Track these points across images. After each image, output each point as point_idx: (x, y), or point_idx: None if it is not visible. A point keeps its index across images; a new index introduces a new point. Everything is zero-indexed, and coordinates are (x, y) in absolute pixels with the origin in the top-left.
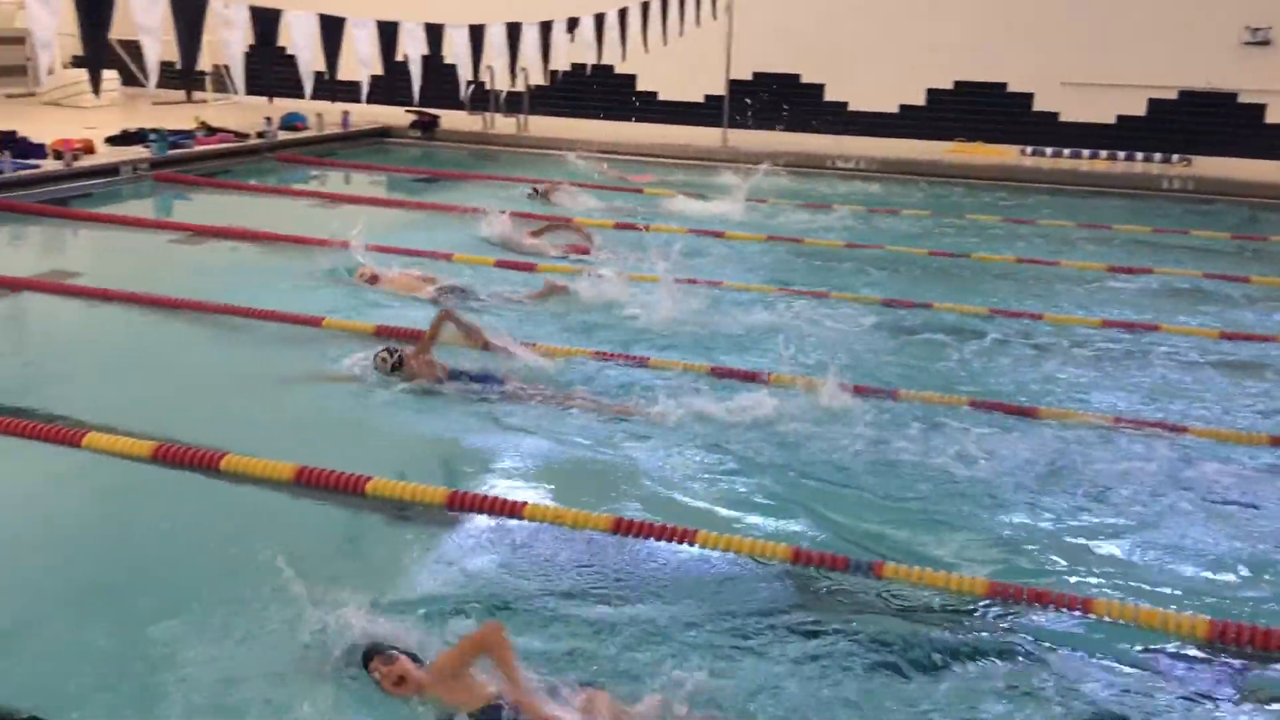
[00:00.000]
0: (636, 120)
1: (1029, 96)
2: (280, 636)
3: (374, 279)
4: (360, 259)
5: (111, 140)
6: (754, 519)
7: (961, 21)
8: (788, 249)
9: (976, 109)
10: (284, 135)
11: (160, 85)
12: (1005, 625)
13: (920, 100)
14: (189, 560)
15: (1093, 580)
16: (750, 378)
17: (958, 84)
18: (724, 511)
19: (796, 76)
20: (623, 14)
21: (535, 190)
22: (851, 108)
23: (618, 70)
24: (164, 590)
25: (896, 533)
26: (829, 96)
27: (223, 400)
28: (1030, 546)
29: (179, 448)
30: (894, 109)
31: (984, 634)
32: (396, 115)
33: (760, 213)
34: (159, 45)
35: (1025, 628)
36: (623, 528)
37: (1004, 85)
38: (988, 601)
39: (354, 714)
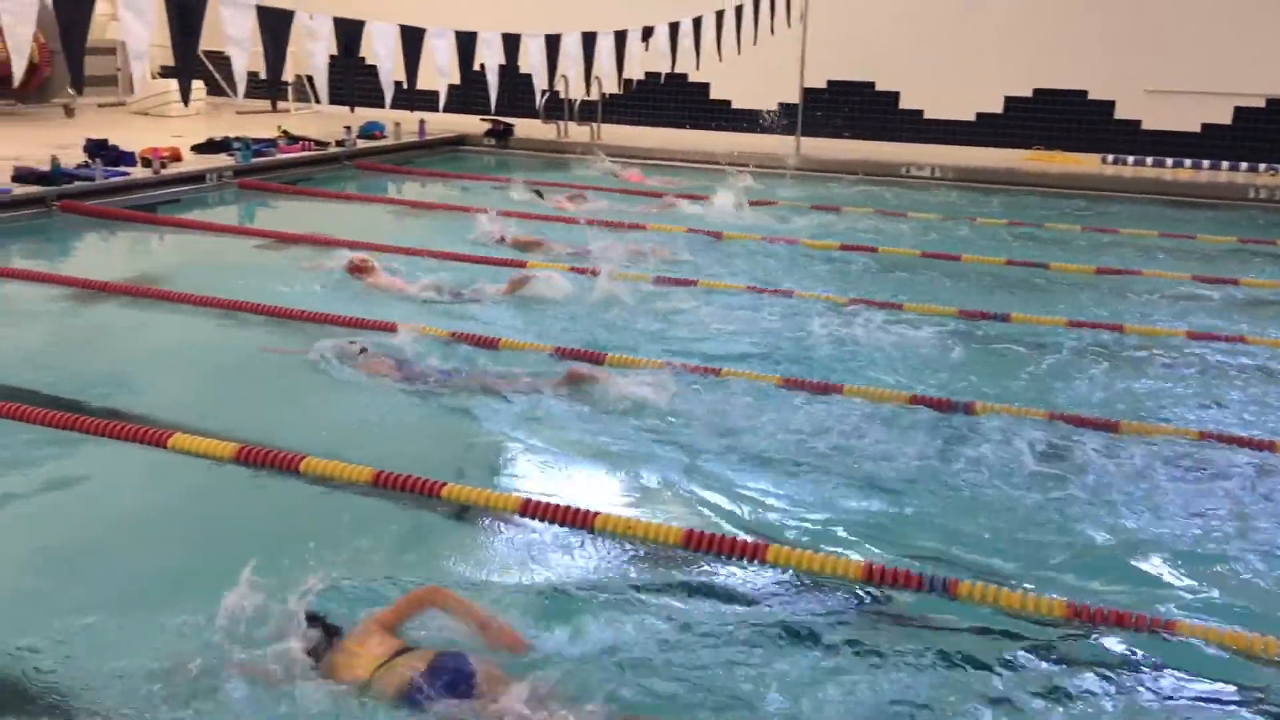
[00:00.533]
0: (711, 128)
1: (1110, 104)
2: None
3: (363, 270)
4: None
5: (197, 148)
6: (824, 535)
7: (1041, 28)
8: (861, 258)
9: (1056, 116)
10: (362, 143)
11: (245, 95)
12: (1085, 648)
13: (998, 108)
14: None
15: (1176, 601)
16: (823, 390)
17: (1037, 91)
18: (793, 526)
19: (871, 84)
20: (697, 23)
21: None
22: (927, 115)
23: (691, 79)
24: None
25: (969, 551)
26: (904, 104)
27: (300, 402)
28: (1111, 566)
29: (260, 449)
30: (971, 117)
31: (1063, 657)
32: (472, 124)
33: (831, 221)
34: (246, 56)
35: (1105, 651)
36: (694, 541)
37: (1085, 93)
38: (1067, 623)
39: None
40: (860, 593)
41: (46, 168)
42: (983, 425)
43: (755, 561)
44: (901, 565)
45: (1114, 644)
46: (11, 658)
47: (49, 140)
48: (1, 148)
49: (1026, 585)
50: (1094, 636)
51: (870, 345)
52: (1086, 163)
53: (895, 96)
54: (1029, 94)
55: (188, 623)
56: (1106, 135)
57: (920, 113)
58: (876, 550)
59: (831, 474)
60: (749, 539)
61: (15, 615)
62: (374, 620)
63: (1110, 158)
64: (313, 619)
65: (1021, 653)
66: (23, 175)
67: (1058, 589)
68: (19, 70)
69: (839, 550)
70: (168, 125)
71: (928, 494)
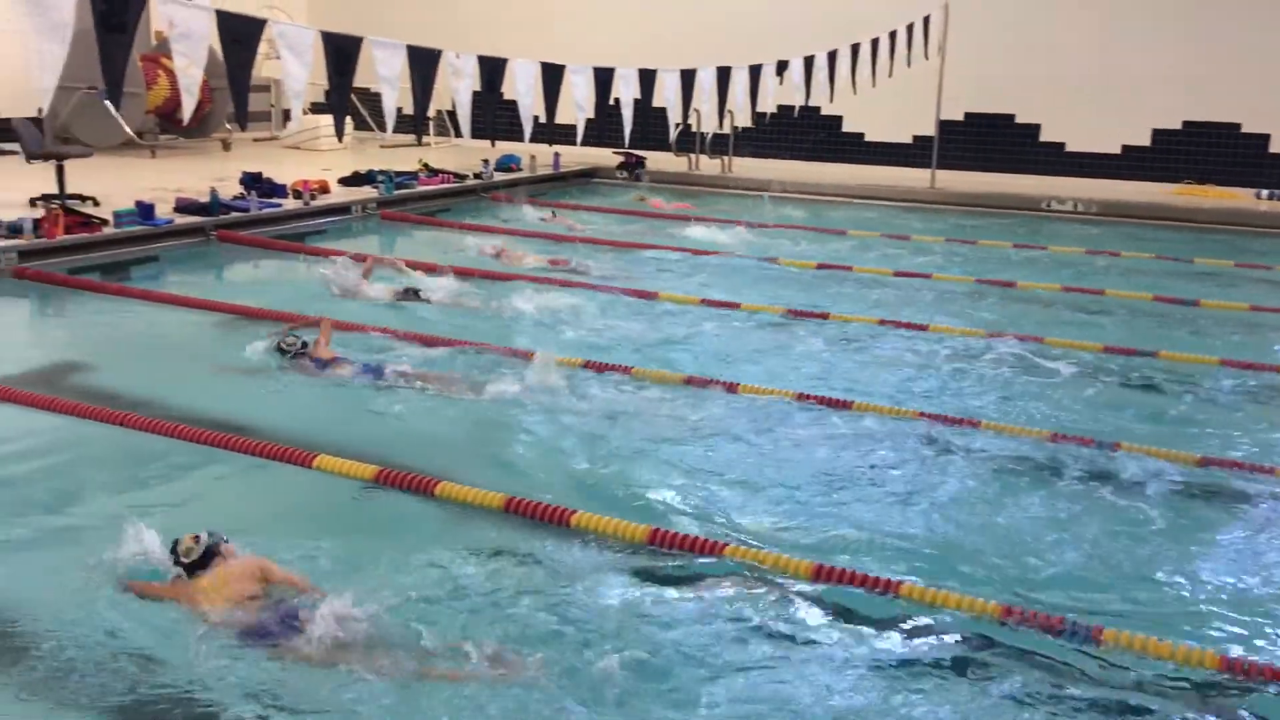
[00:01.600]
0: (844, 161)
1: (1265, 138)
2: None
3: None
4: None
5: (344, 181)
6: (959, 574)
7: (1190, 60)
8: (998, 292)
9: (1206, 150)
10: (499, 176)
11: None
12: (1238, 705)
13: (1145, 140)
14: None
15: None
16: (964, 423)
17: (1186, 124)
18: (928, 564)
19: (1011, 116)
20: (832, 56)
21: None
22: (1069, 148)
23: (824, 111)
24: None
25: (1112, 597)
26: (1045, 137)
27: (432, 426)
28: (1268, 620)
29: (399, 473)
30: (1116, 149)
31: (1216, 712)
32: (604, 156)
33: (966, 252)
34: (396, 93)
35: (1261, 708)
36: (823, 574)
37: (1238, 126)
38: (1218, 677)
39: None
40: (992, 633)
41: (206, 199)
42: (1127, 466)
43: (888, 594)
44: (1043, 609)
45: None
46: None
47: (208, 173)
48: (165, 180)
49: (1173, 636)
50: (1251, 692)
51: (1008, 380)
52: (1239, 197)
53: (1036, 129)
54: (1178, 126)
55: None
56: (1261, 169)
57: (1062, 145)
58: (1013, 590)
59: (967, 514)
60: (879, 576)
61: None
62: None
63: (1265, 193)
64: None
65: (1168, 703)
66: (184, 206)
67: (1204, 641)
68: (188, 109)
69: (973, 589)
70: (317, 159)
71: (1065, 534)
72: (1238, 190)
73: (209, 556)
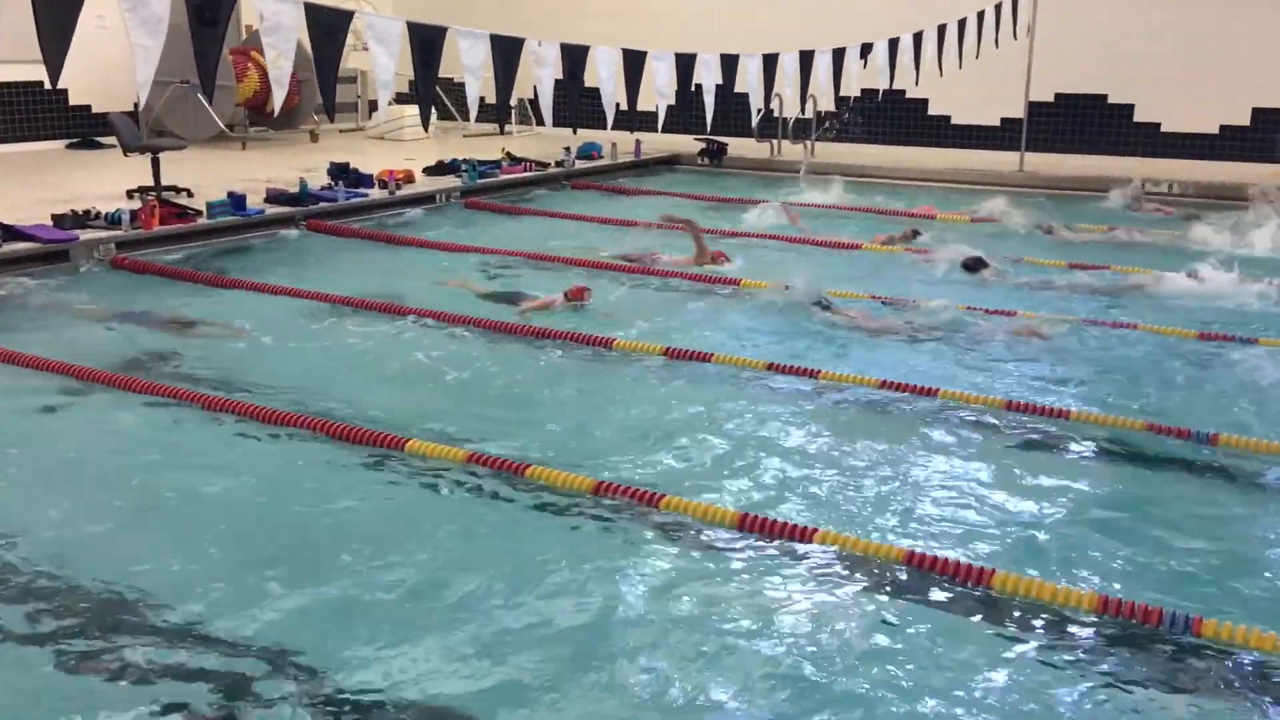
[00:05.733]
0: (930, 145)
1: None
2: None
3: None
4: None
5: (428, 170)
6: (1055, 566)
7: None
8: (1092, 277)
9: None
10: (580, 164)
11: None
12: None
13: (1244, 120)
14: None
15: None
16: (1049, 413)
17: None
18: (1022, 555)
19: (1104, 97)
20: (918, 38)
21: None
22: (1165, 129)
23: (909, 95)
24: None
25: (1216, 589)
26: (1139, 117)
27: (511, 410)
28: None
29: (487, 456)
30: (1214, 129)
31: None
32: (685, 143)
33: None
34: (479, 82)
35: None
36: (915, 560)
37: None
38: None
39: None
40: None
41: (295, 189)
42: (1218, 457)
43: (979, 585)
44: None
45: None
46: None
47: (296, 163)
48: (256, 170)
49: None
50: None
51: (1101, 366)
52: None
53: (1130, 109)
54: (1279, 105)
55: None
56: None
57: (1158, 126)
58: (1110, 583)
59: (1063, 506)
60: (971, 564)
61: None
62: None
63: None
64: None
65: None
66: (274, 196)
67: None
68: (279, 100)
69: (1072, 581)
70: (401, 149)
71: (1174, 526)
72: None
73: None
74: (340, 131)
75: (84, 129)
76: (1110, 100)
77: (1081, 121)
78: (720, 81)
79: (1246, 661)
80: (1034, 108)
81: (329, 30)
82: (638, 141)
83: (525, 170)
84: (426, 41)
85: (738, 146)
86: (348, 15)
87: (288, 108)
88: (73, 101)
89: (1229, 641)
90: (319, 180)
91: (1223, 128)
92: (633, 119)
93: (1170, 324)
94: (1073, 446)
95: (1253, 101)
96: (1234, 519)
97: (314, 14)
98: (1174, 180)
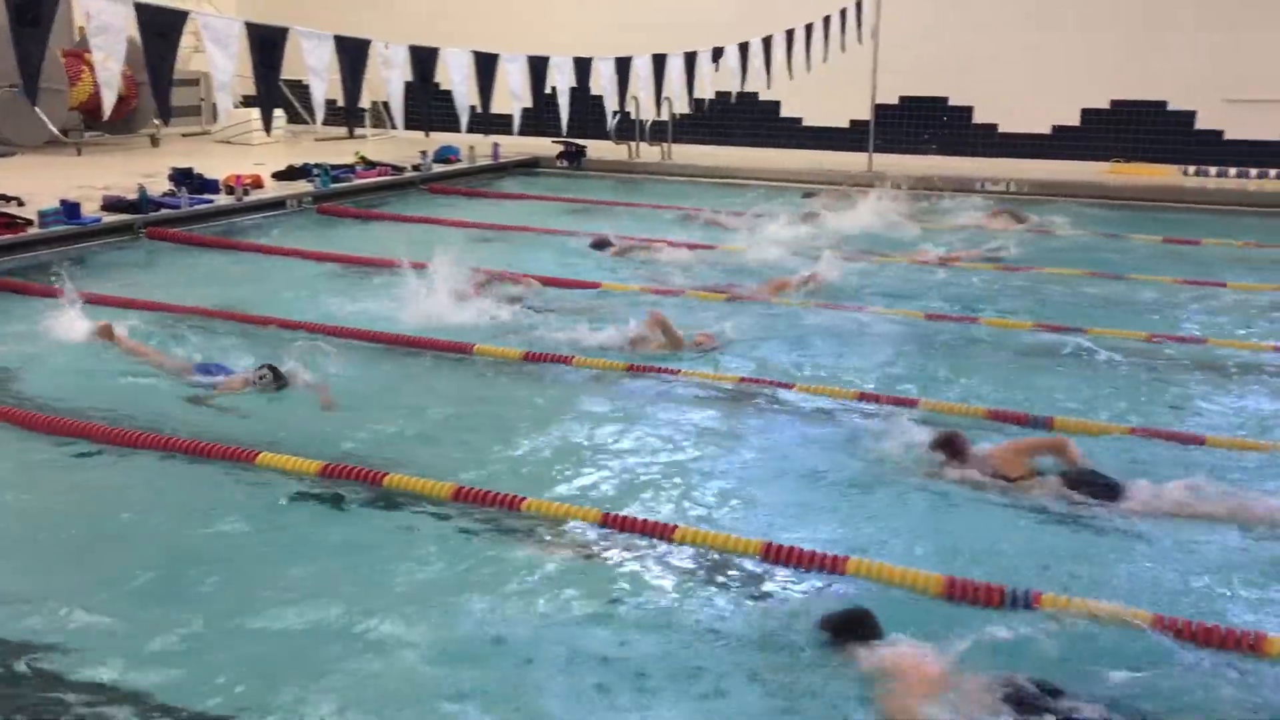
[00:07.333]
0: (784, 146)
1: (1191, 114)
2: None
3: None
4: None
5: (278, 175)
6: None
7: (1116, 40)
8: (941, 272)
9: (1134, 128)
10: (438, 167)
11: (324, 122)
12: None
13: (1075, 120)
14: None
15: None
16: (898, 402)
17: (1114, 103)
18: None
19: (944, 99)
20: (767, 42)
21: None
22: (1002, 129)
23: (762, 97)
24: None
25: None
26: (978, 119)
27: (386, 421)
28: (1200, 584)
29: (345, 466)
30: (1047, 130)
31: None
32: (544, 146)
33: (904, 235)
34: (325, 84)
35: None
36: (771, 553)
37: (1164, 104)
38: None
39: None
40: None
41: (134, 196)
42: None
43: (835, 572)
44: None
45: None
46: None
47: (136, 169)
48: (92, 177)
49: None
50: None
51: (939, 357)
52: (1167, 174)
53: (969, 111)
54: (1106, 105)
55: None
56: (1188, 146)
57: (995, 127)
58: (955, 563)
59: (908, 493)
60: (827, 554)
61: None
62: None
63: (1192, 169)
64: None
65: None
66: (111, 204)
67: (1145, 603)
68: (108, 103)
69: (922, 564)
70: (249, 153)
71: (987, 508)
72: (1165, 167)
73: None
74: (184, 136)
75: None
76: (951, 103)
77: (926, 123)
78: (574, 84)
79: None
80: (881, 110)
81: (161, 31)
82: (495, 145)
83: (381, 174)
84: (266, 42)
85: (596, 149)
86: (182, 15)
87: (126, 111)
88: None
89: (1066, 611)
90: (160, 186)
91: (1055, 128)
92: (488, 122)
93: None
94: None
95: (1082, 103)
96: None
97: (144, 14)
98: (1010, 178)
